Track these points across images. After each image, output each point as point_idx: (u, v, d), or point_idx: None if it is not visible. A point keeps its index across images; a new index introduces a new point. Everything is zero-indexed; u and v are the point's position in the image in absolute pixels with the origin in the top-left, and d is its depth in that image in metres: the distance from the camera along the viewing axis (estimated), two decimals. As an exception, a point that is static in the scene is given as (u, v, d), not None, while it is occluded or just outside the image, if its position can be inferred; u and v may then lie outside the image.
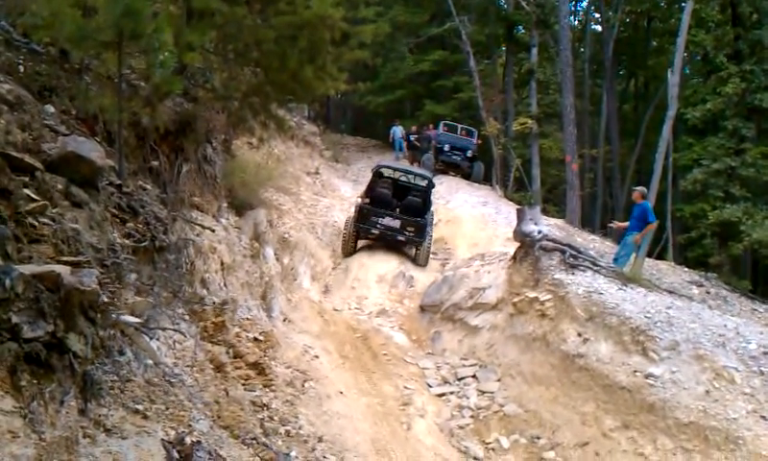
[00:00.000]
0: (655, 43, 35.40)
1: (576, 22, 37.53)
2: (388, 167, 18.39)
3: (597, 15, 35.37)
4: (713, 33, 21.33)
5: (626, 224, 12.52)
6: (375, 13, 11.17)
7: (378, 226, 15.60)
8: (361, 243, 16.50)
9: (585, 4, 38.52)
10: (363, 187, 18.68)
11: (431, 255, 16.25)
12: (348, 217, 16.59)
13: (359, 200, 16.44)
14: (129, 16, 5.79)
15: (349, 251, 16.08)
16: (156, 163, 8.04)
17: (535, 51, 28.50)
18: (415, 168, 19.78)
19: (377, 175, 17.18)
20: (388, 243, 16.00)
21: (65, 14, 5.73)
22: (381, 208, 15.92)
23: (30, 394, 3.59)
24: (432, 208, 16.94)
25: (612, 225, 15.24)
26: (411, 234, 15.61)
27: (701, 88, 23.66)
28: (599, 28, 35.12)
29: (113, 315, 4.73)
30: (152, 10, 6.43)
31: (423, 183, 17.29)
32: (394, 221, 15.64)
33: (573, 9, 37.00)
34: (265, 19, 9.53)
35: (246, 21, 9.42)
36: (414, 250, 16.07)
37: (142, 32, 6.05)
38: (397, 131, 29.30)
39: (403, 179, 17.77)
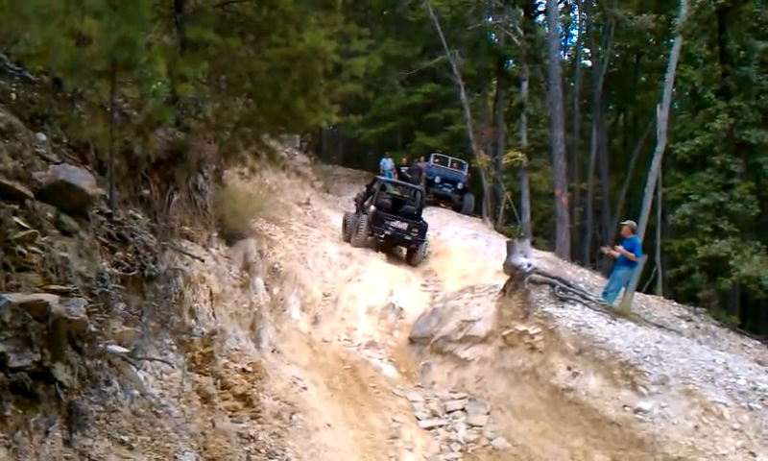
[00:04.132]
0: (644, 79, 35.77)
1: (566, 57, 37.98)
2: (388, 182, 21.84)
3: (587, 51, 35.78)
4: (701, 69, 21.55)
5: (618, 250, 12.49)
6: (367, 47, 11.25)
7: (390, 227, 18.44)
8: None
9: (575, 39, 39.08)
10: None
11: (421, 288, 16.82)
12: (348, 213, 20.54)
13: (372, 207, 18.85)
14: (123, 46, 5.83)
15: (362, 244, 18.45)
16: (146, 192, 8.03)
17: (525, 85, 28.76)
18: (406, 183, 23.31)
19: (381, 188, 20.01)
20: (394, 243, 19.08)
21: (59, 43, 5.75)
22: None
23: (15, 424, 3.55)
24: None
25: (604, 249, 15.29)
26: (416, 235, 18.63)
27: (689, 124, 23.83)
28: (589, 63, 35.48)
29: (101, 345, 4.70)
30: (146, 40, 6.48)
31: (415, 194, 20.84)
32: (402, 224, 18.57)
33: (563, 44, 37.54)
34: (258, 51, 9.63)
35: (239, 53, 9.52)
36: (408, 252, 19.18)
37: (136, 62, 6.09)
38: (387, 163, 29.40)
39: (398, 191, 21.43)
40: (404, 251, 19.60)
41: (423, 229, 18.77)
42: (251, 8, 10.07)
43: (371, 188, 20.29)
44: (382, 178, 21.84)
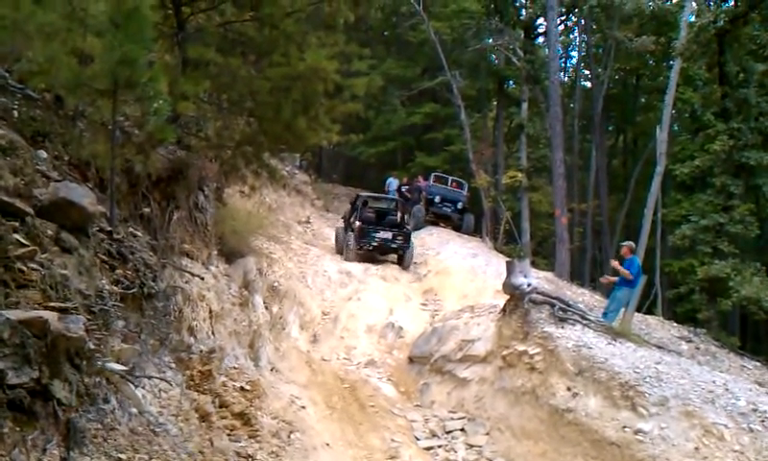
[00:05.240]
0: (643, 100, 35.89)
1: (566, 78, 38.13)
2: (370, 197, 22.53)
3: (587, 72, 35.97)
4: (701, 91, 21.69)
5: (614, 278, 12.52)
6: (368, 67, 11.35)
7: (376, 239, 19.78)
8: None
9: (574, 60, 39.26)
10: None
11: (421, 307, 16.83)
12: (339, 229, 21.52)
13: (357, 222, 20.09)
14: (125, 65, 5.85)
15: (353, 258, 19.43)
16: (147, 210, 8.04)
17: (525, 106, 28.85)
18: (385, 195, 25.70)
19: (364, 204, 21.13)
20: (383, 252, 20.19)
21: (61, 61, 5.78)
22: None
23: (12, 441, 3.54)
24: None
25: (602, 280, 15.29)
26: (401, 242, 20.05)
27: (689, 145, 23.90)
28: (589, 84, 35.65)
29: (99, 362, 4.69)
30: (147, 58, 6.51)
31: (395, 205, 22.87)
32: (387, 233, 20.03)
33: (563, 65, 37.67)
34: (259, 70, 9.69)
35: (240, 72, 9.57)
36: (398, 258, 20.20)
37: (138, 80, 6.10)
38: (393, 182, 29.43)
39: (378, 204, 22.38)
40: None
41: (407, 235, 20.38)
42: (252, 28, 10.14)
43: (354, 205, 21.54)
44: (363, 193, 22.73)
